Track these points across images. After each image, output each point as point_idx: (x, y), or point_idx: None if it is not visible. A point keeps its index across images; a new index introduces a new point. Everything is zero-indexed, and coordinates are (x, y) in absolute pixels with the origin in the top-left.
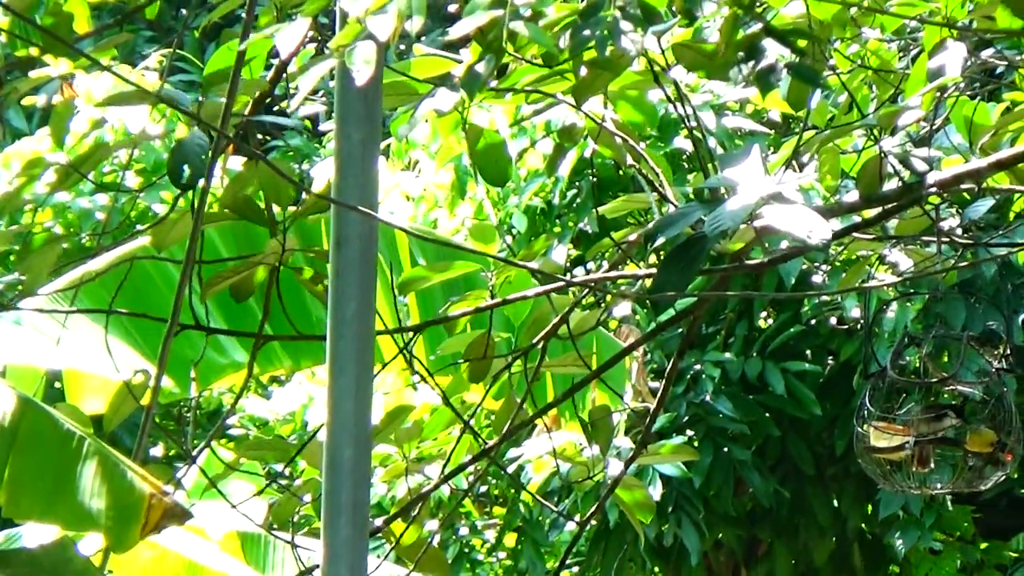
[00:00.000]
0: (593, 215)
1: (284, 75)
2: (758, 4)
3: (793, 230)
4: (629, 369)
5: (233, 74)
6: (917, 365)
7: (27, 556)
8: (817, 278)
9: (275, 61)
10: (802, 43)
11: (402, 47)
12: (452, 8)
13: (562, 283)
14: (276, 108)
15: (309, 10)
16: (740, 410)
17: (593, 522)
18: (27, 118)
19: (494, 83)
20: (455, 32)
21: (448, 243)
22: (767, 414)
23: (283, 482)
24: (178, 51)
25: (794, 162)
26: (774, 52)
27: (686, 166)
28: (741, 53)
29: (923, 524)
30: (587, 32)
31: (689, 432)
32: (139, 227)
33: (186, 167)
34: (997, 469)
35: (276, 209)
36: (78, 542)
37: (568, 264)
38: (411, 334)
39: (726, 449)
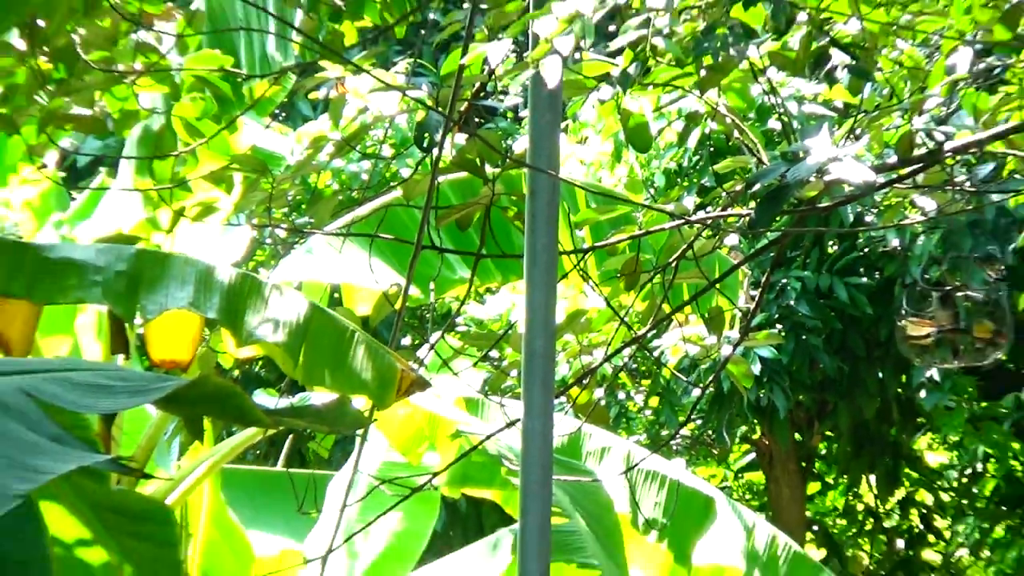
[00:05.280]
0: (711, 173)
1: (493, 76)
2: (827, 23)
3: (851, 179)
4: (742, 282)
5: (457, 77)
6: (939, 277)
7: (314, 410)
8: (869, 218)
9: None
10: (859, 52)
11: (577, 56)
12: (612, 28)
13: (687, 220)
14: (489, 99)
15: (511, 33)
16: (814, 311)
17: (711, 389)
18: (313, 108)
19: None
20: (615, 45)
21: (610, 193)
22: (832, 313)
23: (494, 362)
24: (418, 60)
25: (851, 136)
26: (839, 58)
27: (776, 140)
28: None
29: (943, 387)
30: (706, 45)
31: (778, 326)
32: (392, 184)
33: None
34: (995, 350)
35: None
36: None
37: (693, 208)
38: (584, 255)
39: (804, 337)
